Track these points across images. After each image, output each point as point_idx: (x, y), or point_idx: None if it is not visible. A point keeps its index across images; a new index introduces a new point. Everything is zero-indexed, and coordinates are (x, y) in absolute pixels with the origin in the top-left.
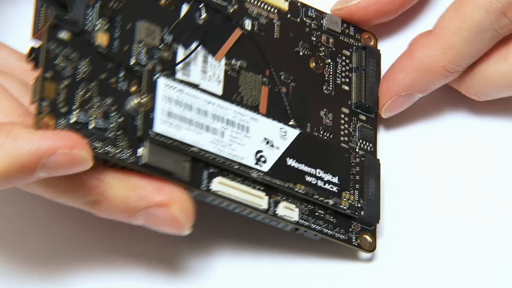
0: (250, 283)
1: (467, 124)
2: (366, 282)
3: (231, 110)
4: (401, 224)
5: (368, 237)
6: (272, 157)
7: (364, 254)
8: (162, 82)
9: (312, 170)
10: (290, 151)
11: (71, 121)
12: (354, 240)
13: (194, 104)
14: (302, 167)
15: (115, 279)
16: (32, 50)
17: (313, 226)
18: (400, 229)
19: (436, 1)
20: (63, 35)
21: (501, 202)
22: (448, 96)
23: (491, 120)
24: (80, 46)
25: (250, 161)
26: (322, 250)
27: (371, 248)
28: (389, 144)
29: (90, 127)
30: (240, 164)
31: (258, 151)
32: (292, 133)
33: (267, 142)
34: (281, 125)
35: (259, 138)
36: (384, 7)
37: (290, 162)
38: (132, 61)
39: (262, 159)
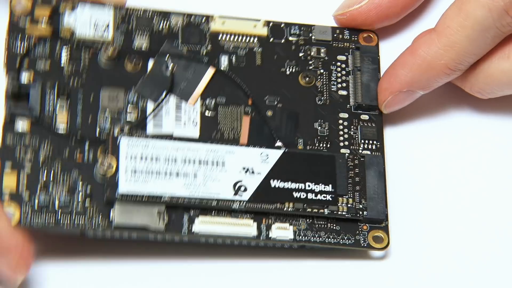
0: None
1: (471, 121)
2: (380, 279)
3: (203, 150)
4: (411, 220)
5: (380, 235)
6: (252, 184)
7: (377, 252)
8: (124, 143)
9: (300, 185)
10: (273, 173)
11: (35, 205)
12: (362, 241)
13: (161, 155)
14: (288, 185)
15: None
16: None
17: (313, 239)
18: (411, 225)
19: (439, 0)
20: (21, 126)
21: (509, 197)
22: (452, 94)
23: (494, 117)
24: (40, 131)
25: (228, 194)
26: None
27: (384, 245)
28: (396, 141)
29: (56, 205)
30: (218, 200)
31: (237, 182)
32: (275, 154)
33: (246, 171)
34: (261, 150)
35: (236, 169)
36: (385, 11)
37: (275, 183)
38: (97, 130)
39: (242, 188)
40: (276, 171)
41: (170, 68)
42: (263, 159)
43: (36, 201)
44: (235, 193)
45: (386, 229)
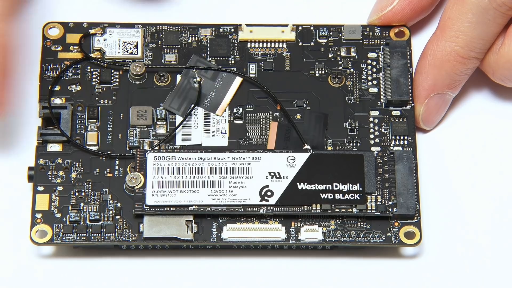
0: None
1: (507, 115)
2: (413, 275)
3: (230, 158)
4: (447, 217)
5: (411, 230)
6: (279, 188)
7: (410, 249)
8: (151, 157)
9: (328, 186)
10: (300, 176)
11: (66, 223)
12: (393, 238)
13: (187, 166)
14: (315, 187)
15: None
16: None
17: (343, 239)
18: (446, 222)
19: None
20: (53, 147)
21: None
22: (487, 89)
23: None
24: (71, 151)
25: (254, 200)
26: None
27: (416, 240)
28: (430, 135)
29: (87, 221)
30: (245, 206)
31: (263, 187)
32: (302, 158)
33: (273, 176)
34: (288, 154)
35: (263, 174)
36: (418, 4)
37: (302, 186)
38: (127, 147)
39: (268, 193)
40: (303, 174)
41: (197, 81)
42: (289, 163)
43: (68, 220)
44: (262, 199)
45: (418, 225)
